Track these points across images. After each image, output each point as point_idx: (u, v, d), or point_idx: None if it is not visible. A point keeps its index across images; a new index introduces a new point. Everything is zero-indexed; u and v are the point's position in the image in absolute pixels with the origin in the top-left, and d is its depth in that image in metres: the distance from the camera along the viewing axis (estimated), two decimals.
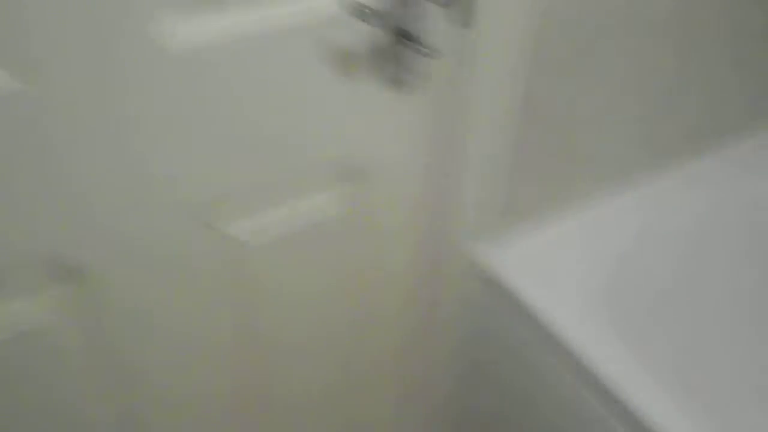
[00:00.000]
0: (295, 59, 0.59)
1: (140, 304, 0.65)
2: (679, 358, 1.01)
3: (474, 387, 1.05)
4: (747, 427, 1.01)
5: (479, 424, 1.07)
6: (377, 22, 0.57)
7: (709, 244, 1.07)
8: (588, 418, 0.83)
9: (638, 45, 0.86)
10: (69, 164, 0.53)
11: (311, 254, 0.74)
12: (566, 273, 0.92)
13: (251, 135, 0.62)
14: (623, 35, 0.83)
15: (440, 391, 1.07)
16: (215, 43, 0.55)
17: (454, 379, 1.06)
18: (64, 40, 0.48)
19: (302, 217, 0.71)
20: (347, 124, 0.67)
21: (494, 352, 0.97)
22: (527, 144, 0.85)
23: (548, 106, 0.83)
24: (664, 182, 1.07)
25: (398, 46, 0.64)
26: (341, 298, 0.82)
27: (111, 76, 0.51)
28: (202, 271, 0.68)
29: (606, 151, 0.97)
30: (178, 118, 0.57)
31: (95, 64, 0.50)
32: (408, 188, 0.78)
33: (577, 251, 0.95)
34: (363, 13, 0.56)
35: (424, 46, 0.64)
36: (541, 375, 0.89)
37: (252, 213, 0.68)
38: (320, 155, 0.68)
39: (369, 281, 0.83)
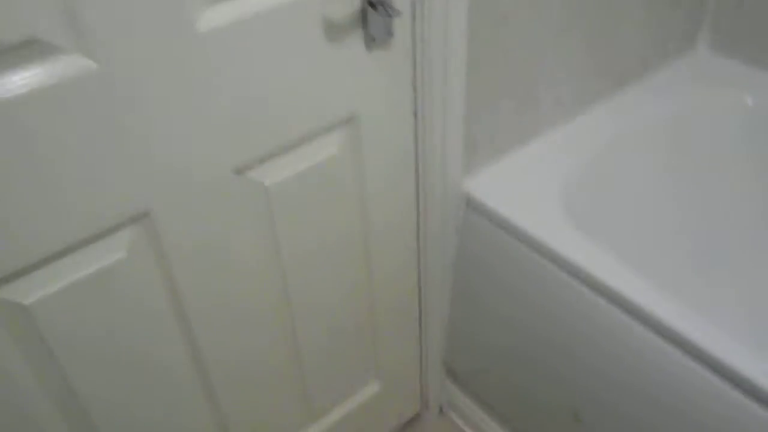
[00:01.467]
0: (292, 31, 0.76)
1: (192, 239, 0.82)
2: (633, 242, 1.20)
3: (466, 301, 1.23)
4: (692, 291, 1.21)
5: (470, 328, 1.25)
6: None
7: (650, 148, 1.26)
8: (556, 293, 1.01)
9: None
10: (135, 129, 0.70)
11: (320, 189, 0.91)
12: (530, 186, 1.10)
13: (262, 96, 0.79)
14: None
15: (440, 308, 1.25)
16: (233, 22, 0.71)
17: (449, 301, 1.24)
18: (126, 29, 0.64)
19: (309, 158, 0.88)
20: (338, 79, 0.84)
21: (482, 264, 1.15)
22: (485, 84, 1.02)
23: (498, 51, 1.01)
24: (609, 105, 1.27)
25: (370, 10, 0.82)
26: (350, 227, 0.99)
27: (159, 54, 0.68)
28: (236, 212, 0.84)
29: (553, 86, 1.15)
30: (210, 86, 0.73)
31: (147, 46, 0.66)
32: (392, 129, 0.95)
33: (537, 169, 1.13)
34: None
35: (389, 8, 0.82)
36: (524, 273, 1.07)
37: (270, 159, 0.85)
38: (319, 108, 0.85)
39: (374, 209, 1.00)
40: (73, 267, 0.73)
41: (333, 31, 0.81)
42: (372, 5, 0.82)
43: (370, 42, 0.85)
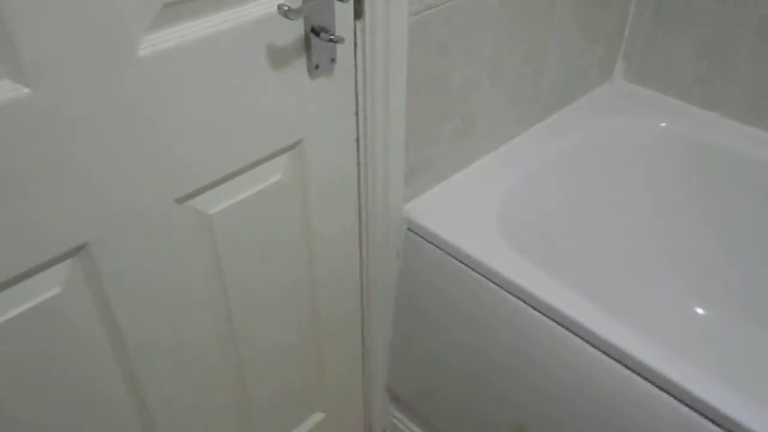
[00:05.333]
0: (235, 57, 0.76)
1: (132, 272, 0.78)
2: (563, 256, 1.26)
3: (408, 324, 1.24)
4: (617, 301, 1.28)
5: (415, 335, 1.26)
6: (295, 16, 0.75)
7: (576, 170, 1.33)
8: (495, 310, 1.04)
9: (503, 25, 1.08)
10: (71, 157, 0.67)
11: (263, 216, 0.90)
12: (468, 209, 1.13)
13: (205, 123, 0.77)
14: (492, 20, 1.05)
15: (382, 332, 1.25)
16: (174, 47, 0.70)
17: (393, 321, 1.25)
18: (61, 52, 0.61)
19: (253, 184, 0.87)
20: (282, 106, 0.84)
21: (423, 287, 1.16)
22: (425, 110, 1.05)
23: (433, 79, 1.03)
24: (537, 131, 1.33)
25: (313, 37, 0.82)
26: (295, 252, 0.98)
27: (96, 79, 0.65)
28: (178, 242, 0.82)
29: (487, 113, 1.19)
30: (150, 113, 0.71)
31: (84, 70, 0.64)
32: (335, 154, 0.95)
33: (473, 193, 1.17)
34: (284, 11, 0.73)
35: (331, 35, 0.83)
36: (463, 293, 1.09)
37: (213, 187, 0.83)
38: (263, 134, 0.84)
39: (317, 235, 1.00)
40: (4, 306, 0.68)
41: (277, 57, 0.80)
42: (315, 32, 0.83)
43: (314, 69, 0.85)
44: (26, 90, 0.61)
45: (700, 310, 1.43)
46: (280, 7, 0.73)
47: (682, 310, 1.44)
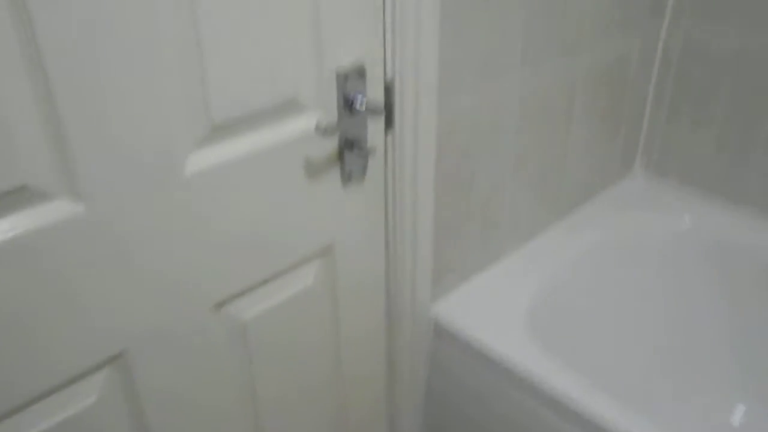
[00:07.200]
0: (274, 171, 0.80)
1: (167, 380, 0.79)
2: (592, 356, 1.24)
3: (440, 415, 1.21)
4: (652, 401, 1.24)
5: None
6: (330, 133, 0.79)
7: (602, 267, 1.33)
8: (526, 411, 1.02)
9: (524, 129, 1.13)
10: (117, 269, 0.69)
11: (295, 319, 0.91)
12: (495, 308, 1.13)
13: (244, 234, 0.80)
14: (514, 124, 1.10)
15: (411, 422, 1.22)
16: (217, 165, 0.74)
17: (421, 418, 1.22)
18: (116, 175, 0.66)
19: (286, 289, 0.88)
20: (316, 214, 0.87)
21: (454, 384, 1.15)
22: (452, 214, 1.07)
23: (459, 182, 1.07)
24: (560, 228, 1.34)
25: (346, 150, 0.86)
26: (324, 354, 0.98)
27: (146, 198, 0.69)
28: (213, 348, 0.83)
29: (512, 212, 1.21)
30: (193, 226, 0.74)
31: (135, 189, 0.68)
32: (365, 258, 0.97)
33: (500, 292, 1.17)
34: (321, 130, 0.77)
35: (363, 148, 0.87)
36: (492, 397, 1.07)
37: (247, 293, 0.85)
38: (298, 241, 0.87)
39: (345, 337, 1.00)
40: (43, 415, 0.69)
41: (312, 170, 0.84)
42: (348, 145, 0.87)
43: (347, 179, 0.89)
44: (81, 208, 0.64)
45: (741, 407, 1.39)
46: (317, 126, 0.77)
47: (722, 407, 1.39)
